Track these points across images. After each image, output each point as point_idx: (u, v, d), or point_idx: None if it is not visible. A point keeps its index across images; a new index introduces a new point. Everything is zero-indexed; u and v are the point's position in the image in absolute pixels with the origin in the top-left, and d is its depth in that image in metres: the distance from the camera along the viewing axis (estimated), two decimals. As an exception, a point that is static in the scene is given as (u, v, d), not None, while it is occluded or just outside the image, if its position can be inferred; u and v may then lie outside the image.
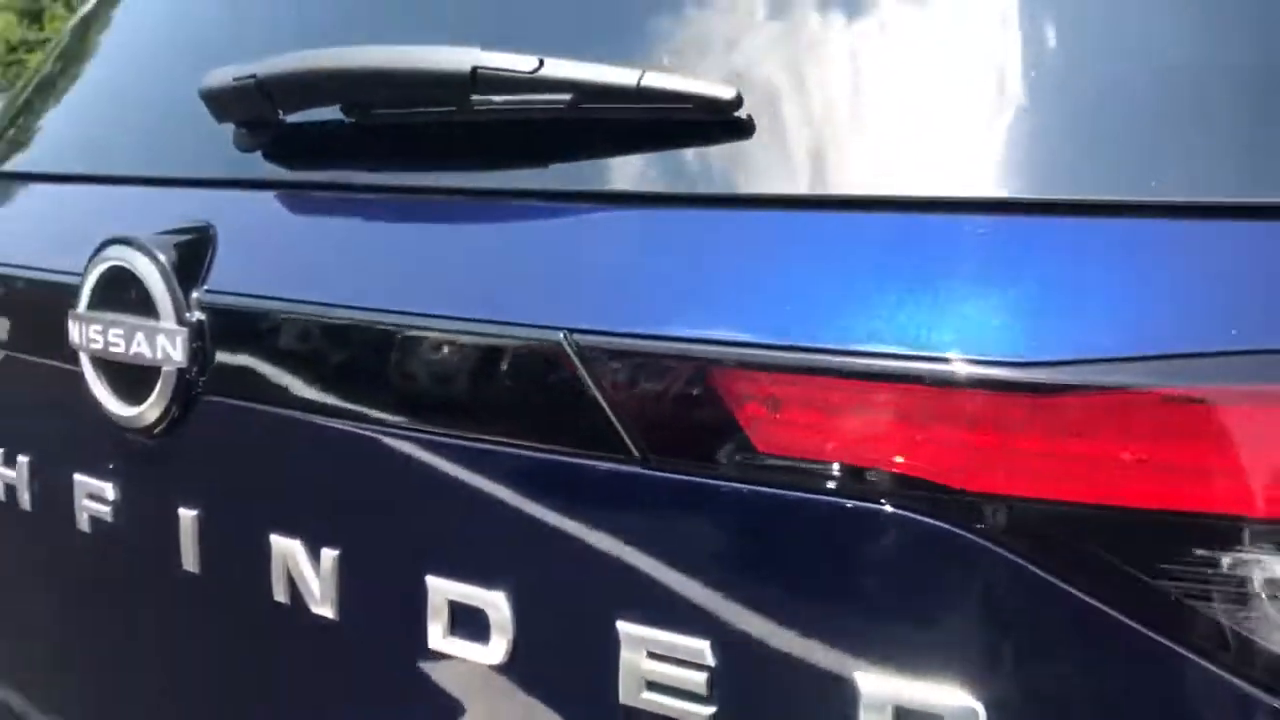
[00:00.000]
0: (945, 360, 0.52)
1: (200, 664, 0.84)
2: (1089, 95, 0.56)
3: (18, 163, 1.09)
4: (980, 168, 0.57)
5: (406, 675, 0.69)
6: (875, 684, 0.54)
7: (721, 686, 0.58)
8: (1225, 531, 0.48)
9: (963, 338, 0.52)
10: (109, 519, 0.84)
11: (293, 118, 0.79)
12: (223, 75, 0.80)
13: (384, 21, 0.84)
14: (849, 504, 0.54)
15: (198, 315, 0.77)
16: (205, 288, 0.78)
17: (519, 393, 0.64)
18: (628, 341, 0.60)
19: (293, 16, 0.92)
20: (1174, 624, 0.49)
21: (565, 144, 0.68)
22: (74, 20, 1.24)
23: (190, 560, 0.79)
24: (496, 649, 0.64)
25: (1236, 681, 0.48)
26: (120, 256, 0.80)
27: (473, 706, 0.68)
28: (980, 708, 0.51)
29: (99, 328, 0.81)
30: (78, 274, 0.83)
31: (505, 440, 0.65)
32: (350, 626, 0.71)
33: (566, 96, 0.66)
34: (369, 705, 0.73)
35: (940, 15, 0.61)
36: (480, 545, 0.66)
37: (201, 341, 0.77)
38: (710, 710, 0.58)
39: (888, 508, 0.53)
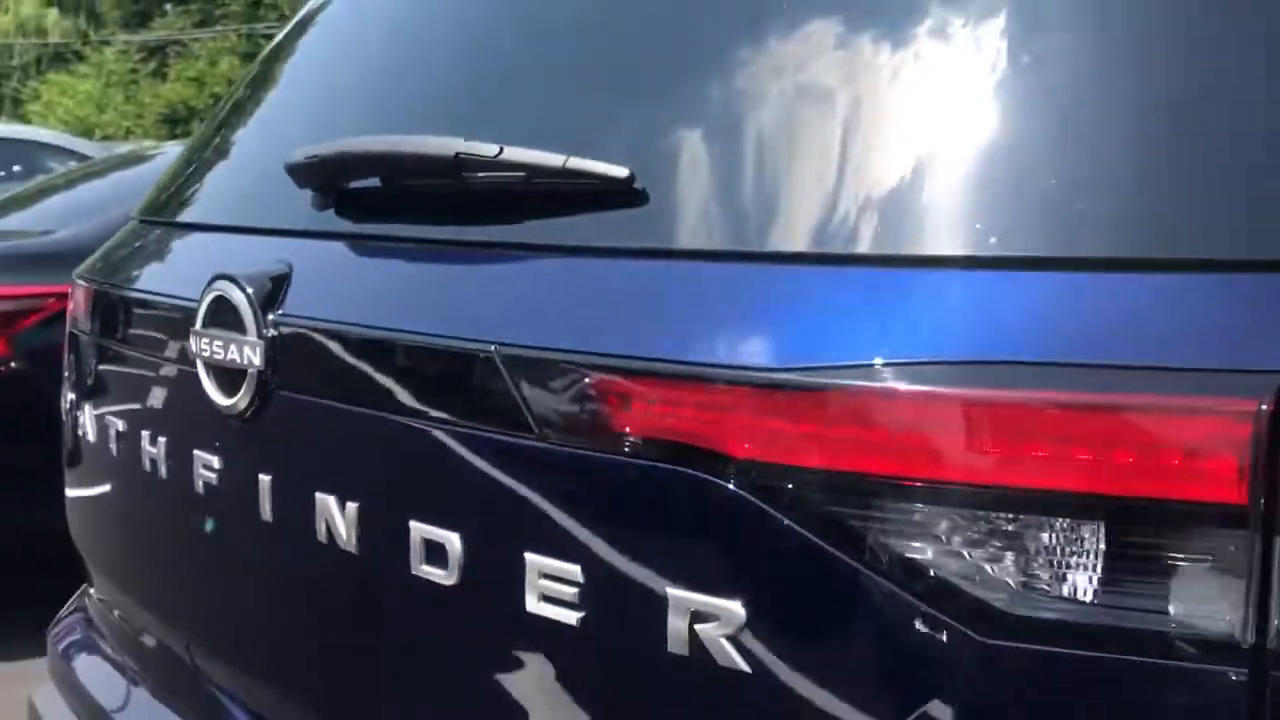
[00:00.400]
0: (725, 366, 0.75)
1: (271, 586, 1.13)
2: (840, 182, 0.78)
3: (166, 213, 1.42)
4: (765, 233, 0.80)
5: (392, 590, 0.96)
6: (680, 594, 0.77)
7: (587, 598, 0.82)
8: (892, 488, 0.70)
9: (736, 353, 0.75)
10: (215, 481, 1.14)
11: (349, 185, 1.08)
12: (300, 154, 1.09)
13: (413, 116, 1.12)
14: (664, 466, 0.78)
15: (272, 332, 1.05)
16: (280, 312, 1.06)
17: (467, 387, 0.90)
18: (533, 352, 0.85)
19: (358, 108, 1.21)
20: (863, 553, 0.70)
21: (513, 207, 0.94)
22: (223, 100, 1.56)
23: (265, 511, 1.07)
24: (452, 574, 0.90)
25: (907, 596, 0.69)
26: (223, 288, 1.09)
27: (435, 620, 0.94)
28: (742, 608, 0.74)
29: (208, 341, 1.10)
30: (195, 301, 1.13)
31: (461, 422, 0.90)
32: (364, 558, 0.98)
33: (520, 174, 0.92)
34: (379, 611, 1.00)
35: (746, 137, 0.84)
36: (447, 492, 0.92)
37: (274, 352, 1.05)
38: (579, 615, 0.82)
39: (688, 470, 0.77)
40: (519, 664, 0.88)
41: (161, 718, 1.34)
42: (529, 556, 0.84)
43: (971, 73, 0.78)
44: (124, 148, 10.33)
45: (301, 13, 1.54)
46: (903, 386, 0.70)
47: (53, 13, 30.95)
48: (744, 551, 0.75)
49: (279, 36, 1.56)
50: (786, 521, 0.72)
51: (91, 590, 1.63)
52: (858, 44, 0.83)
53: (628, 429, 0.80)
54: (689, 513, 0.78)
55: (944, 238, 0.74)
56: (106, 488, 1.43)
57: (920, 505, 0.69)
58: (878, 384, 0.70)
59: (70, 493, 1.56)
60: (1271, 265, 0.67)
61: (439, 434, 0.92)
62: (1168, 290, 0.68)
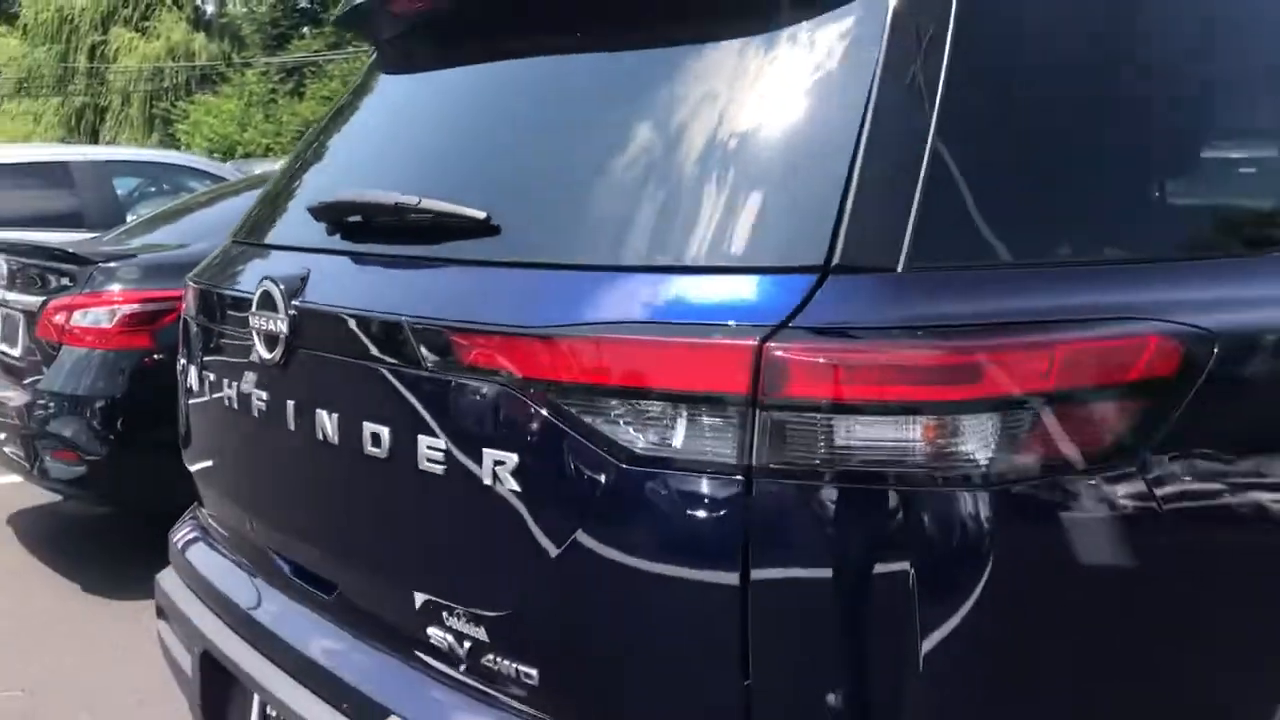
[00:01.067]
0: (516, 325, 1.36)
1: (291, 470, 1.78)
2: (606, 210, 1.39)
3: (244, 236, 2.09)
4: (537, 252, 1.42)
5: (355, 464, 1.59)
6: (492, 452, 1.37)
7: (448, 458, 1.43)
8: (586, 389, 1.30)
9: (522, 318, 1.37)
10: (264, 409, 1.79)
11: (347, 220, 1.72)
12: (317, 200, 1.74)
13: (395, 171, 1.77)
14: (487, 381, 1.39)
15: (294, 313, 1.70)
16: (299, 300, 1.70)
17: (394, 342, 1.53)
18: (423, 321, 1.47)
19: (363, 166, 1.86)
20: (574, 422, 1.30)
21: (424, 234, 1.57)
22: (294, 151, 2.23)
23: (290, 423, 1.71)
24: (384, 451, 1.52)
25: (590, 444, 1.29)
26: (267, 285, 1.74)
27: (376, 479, 1.57)
28: (519, 457, 1.35)
29: (258, 318, 1.75)
30: (252, 293, 1.78)
31: (389, 361, 1.53)
32: (340, 446, 1.62)
33: (428, 215, 1.54)
34: (348, 476, 1.63)
35: (538, 205, 1.46)
36: (381, 404, 1.55)
37: (295, 325, 1.69)
38: (444, 468, 1.43)
39: (498, 383, 1.38)
40: (418, 498, 1.51)
41: (236, 574, 2.00)
42: (420, 438, 1.46)
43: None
44: (258, 168, 11.30)
45: (342, 99, 2.20)
46: (597, 335, 1.30)
47: (200, 37, 32.89)
48: (521, 424, 1.36)
49: (329, 110, 2.23)
50: (538, 408, 1.33)
51: (200, 507, 2.30)
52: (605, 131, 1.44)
53: (471, 361, 1.41)
54: (498, 406, 1.39)
55: (619, 253, 1.35)
56: (203, 421, 2.10)
57: (600, 398, 1.29)
58: (586, 335, 1.30)
59: (182, 430, 2.24)
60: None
61: (380, 369, 1.55)
62: (711, 285, 1.28)
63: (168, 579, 2.24)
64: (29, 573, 4.67)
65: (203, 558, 2.16)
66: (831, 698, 1.21)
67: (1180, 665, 1.37)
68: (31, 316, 4.65)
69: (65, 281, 4.61)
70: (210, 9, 34.44)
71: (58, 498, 5.07)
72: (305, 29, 33.46)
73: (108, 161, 7.38)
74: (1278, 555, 1.43)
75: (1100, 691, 1.28)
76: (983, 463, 1.18)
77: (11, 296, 4.89)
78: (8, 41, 33.91)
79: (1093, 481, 1.24)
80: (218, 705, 2.00)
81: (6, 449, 4.63)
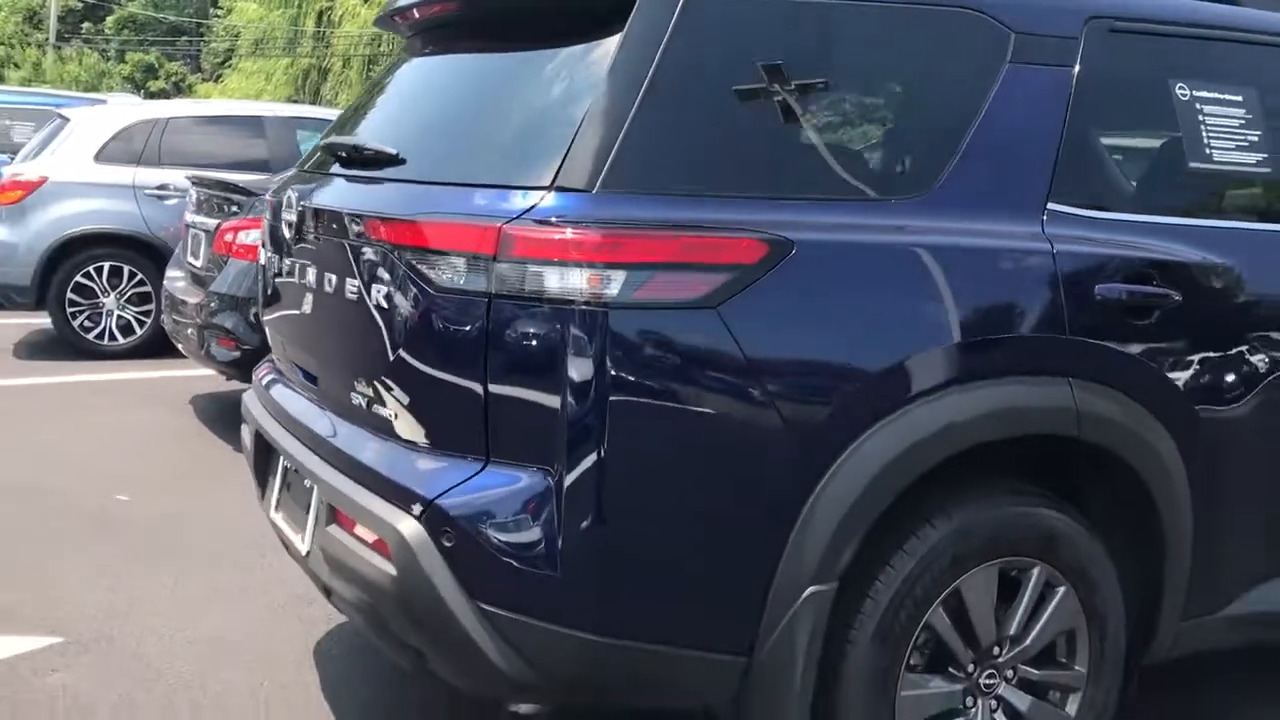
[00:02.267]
0: (395, 215, 2.39)
1: (306, 311, 2.85)
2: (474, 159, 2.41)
3: (299, 166, 3.18)
4: (443, 174, 2.44)
5: (341, 305, 2.65)
6: (377, 289, 2.41)
7: (359, 297, 2.47)
8: (476, 255, 2.31)
9: (397, 211, 2.40)
10: (288, 270, 2.87)
11: (338, 155, 2.78)
12: (327, 142, 2.81)
13: (388, 126, 2.82)
14: (384, 248, 2.42)
15: (300, 209, 2.76)
16: (304, 201, 2.77)
17: (356, 230, 2.57)
18: (376, 217, 2.51)
19: (370, 119, 2.92)
20: (423, 278, 2.32)
21: (370, 164, 2.61)
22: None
23: (309, 280, 2.78)
24: (355, 293, 2.57)
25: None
26: (289, 193, 2.82)
27: (354, 313, 2.62)
28: (388, 290, 2.38)
29: (286, 214, 2.83)
30: (288, 201, 2.86)
31: (356, 238, 2.58)
32: (334, 292, 2.67)
33: (370, 152, 2.59)
34: (340, 313, 2.69)
35: (439, 143, 2.48)
36: (355, 262, 2.60)
37: (302, 217, 2.76)
38: (382, 296, 2.48)
39: (388, 250, 2.41)
40: (346, 317, 2.55)
41: (280, 386, 3.09)
42: (348, 280, 2.51)
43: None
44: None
45: (382, 72, 3.27)
46: (426, 219, 2.31)
47: (418, 6, 34.88)
48: (392, 271, 2.38)
49: (368, 85, 3.30)
50: (399, 261, 2.35)
51: (270, 354, 3.40)
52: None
53: (373, 235, 2.44)
54: (383, 259, 2.41)
55: (445, 175, 2.35)
56: (267, 287, 3.20)
57: (425, 254, 2.29)
58: (419, 219, 2.32)
59: (260, 299, 3.35)
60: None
61: (335, 240, 2.59)
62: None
63: (247, 396, 3.35)
64: (196, 435, 6.01)
65: (266, 379, 3.25)
66: (535, 425, 2.18)
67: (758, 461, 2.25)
68: (210, 235, 5.96)
69: (235, 209, 5.90)
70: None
71: (224, 383, 6.41)
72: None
73: (293, 117, 8.77)
74: (803, 391, 2.27)
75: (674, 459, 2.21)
76: (614, 297, 2.13)
77: (199, 219, 6.23)
78: (247, 5, 36.79)
79: (691, 314, 2.17)
80: (261, 465, 3.10)
81: (185, 335, 5.96)
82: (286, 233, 2.85)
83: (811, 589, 2.26)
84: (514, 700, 2.47)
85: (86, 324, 7.97)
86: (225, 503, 4.65)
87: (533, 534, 2.18)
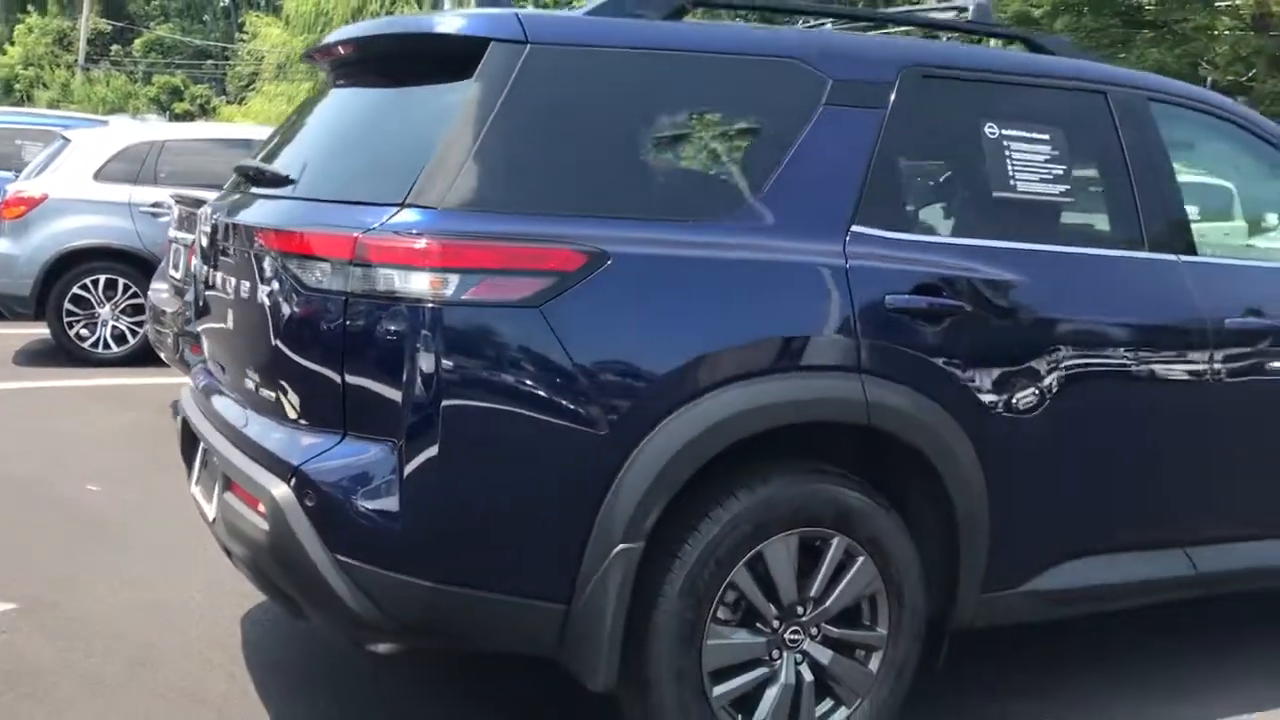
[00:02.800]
0: (278, 226, 2.83)
1: (215, 311, 3.29)
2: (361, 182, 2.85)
3: (223, 185, 3.62)
4: (319, 191, 2.88)
5: (244, 304, 3.08)
6: (263, 289, 2.84)
7: (250, 296, 2.90)
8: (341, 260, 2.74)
9: (279, 222, 2.83)
10: (203, 277, 3.31)
11: (252, 175, 3.22)
12: (240, 165, 3.25)
13: (291, 150, 3.26)
14: (271, 254, 2.85)
15: (214, 222, 3.20)
16: (217, 216, 3.21)
17: (253, 241, 3.01)
18: (270, 229, 2.95)
19: (277, 144, 3.37)
20: (297, 280, 2.75)
21: (265, 183, 3.05)
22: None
23: (211, 284, 3.22)
24: (251, 294, 3.01)
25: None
26: (206, 209, 3.26)
27: (248, 309, 3.06)
28: (272, 289, 2.81)
29: (204, 224, 3.27)
30: (204, 213, 3.31)
31: (250, 248, 3.01)
32: (235, 290, 3.11)
33: (263, 173, 3.03)
34: (242, 308, 3.12)
35: (329, 166, 2.92)
36: (250, 267, 3.04)
37: (215, 228, 3.20)
38: (269, 291, 2.91)
39: (273, 255, 2.84)
40: (242, 315, 2.98)
41: (205, 380, 3.51)
42: (243, 281, 2.94)
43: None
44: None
45: (302, 103, 3.71)
46: (300, 230, 2.74)
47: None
48: (276, 272, 2.80)
49: (291, 113, 3.74)
50: (281, 265, 2.78)
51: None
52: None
53: (263, 243, 2.87)
54: (270, 263, 2.83)
55: (321, 193, 2.79)
56: (198, 295, 3.63)
57: (300, 259, 2.72)
58: (295, 229, 2.75)
59: (191, 304, 3.78)
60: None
61: (236, 249, 3.03)
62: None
63: (183, 392, 3.79)
64: (170, 434, 6.42)
65: (197, 377, 3.69)
66: (382, 403, 2.60)
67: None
68: (188, 249, 6.41)
69: (210, 225, 6.34)
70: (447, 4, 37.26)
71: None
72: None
73: (282, 141, 9.25)
74: (615, 379, 2.67)
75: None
76: (449, 297, 2.55)
77: (180, 234, 6.69)
78: (272, 30, 37.59)
79: (517, 312, 2.58)
80: (188, 450, 3.52)
81: (165, 343, 6.42)
82: (205, 244, 3.28)
83: (621, 546, 2.65)
84: (369, 642, 2.86)
85: (83, 333, 8.46)
86: (187, 494, 5.07)
87: (379, 495, 2.59)
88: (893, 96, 3.07)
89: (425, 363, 2.55)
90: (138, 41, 45.64)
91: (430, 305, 2.55)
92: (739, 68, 2.99)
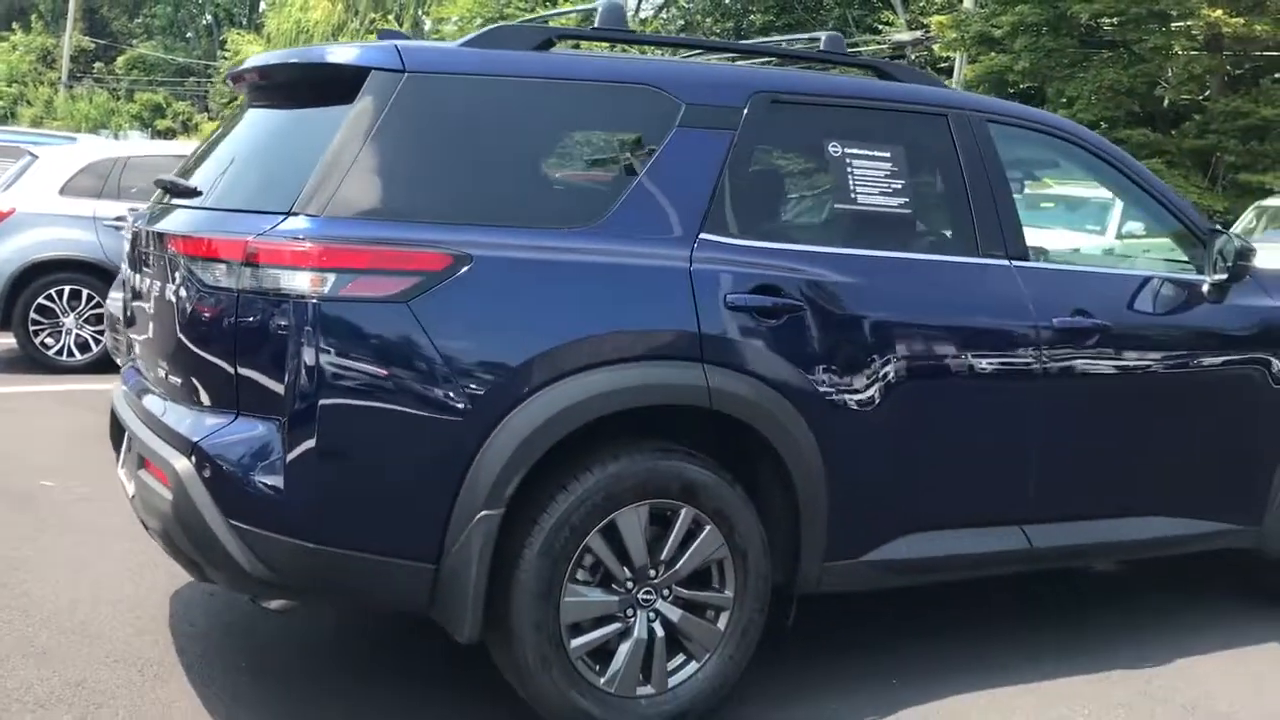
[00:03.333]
0: (192, 233, 3.20)
1: (142, 311, 3.66)
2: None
3: (151, 196, 4.00)
4: (234, 202, 3.26)
5: (166, 304, 3.46)
6: (181, 288, 3.21)
7: (173, 296, 3.28)
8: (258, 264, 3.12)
9: (230, 233, 3.21)
10: (130, 282, 3.68)
11: (172, 188, 3.60)
12: (161, 178, 3.62)
13: (210, 165, 3.64)
14: (185, 259, 3.23)
15: (137, 229, 3.57)
16: (140, 223, 3.58)
17: (172, 248, 3.38)
18: (171, 233, 3.32)
19: (201, 157, 3.75)
20: (201, 279, 3.12)
21: (183, 195, 3.43)
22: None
23: (136, 287, 3.59)
24: (177, 295, 3.38)
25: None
26: (133, 217, 3.63)
27: (166, 310, 3.43)
28: (188, 289, 3.19)
29: (128, 232, 3.64)
30: (133, 222, 3.68)
31: (175, 256, 3.38)
32: (158, 291, 3.48)
33: (180, 186, 3.40)
34: (166, 307, 3.49)
35: (251, 178, 3.30)
36: (176, 268, 3.41)
37: (139, 234, 3.57)
38: (190, 294, 3.28)
39: (187, 259, 3.21)
40: (164, 315, 3.34)
41: (132, 377, 3.88)
42: (167, 285, 3.31)
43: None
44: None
45: (222, 122, 4.08)
46: (207, 236, 3.11)
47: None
48: (190, 274, 3.17)
49: (214, 131, 4.12)
50: (192, 267, 3.15)
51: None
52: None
53: (179, 249, 3.24)
54: (183, 266, 3.21)
55: (226, 202, 3.16)
56: (126, 297, 3.99)
57: (205, 260, 3.09)
58: (203, 235, 3.12)
59: (121, 307, 4.14)
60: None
61: (157, 253, 3.40)
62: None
63: (114, 387, 4.15)
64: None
65: (126, 375, 4.05)
66: (267, 386, 2.97)
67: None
68: (141, 260, 6.76)
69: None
70: (428, 26, 37.72)
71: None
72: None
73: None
74: (476, 366, 3.07)
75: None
76: (326, 293, 2.92)
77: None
78: (253, 48, 37.99)
79: (387, 307, 2.96)
80: (116, 438, 3.88)
81: (121, 349, 6.77)
82: (129, 251, 3.65)
83: (483, 512, 3.02)
84: (264, 598, 3.22)
85: (48, 341, 8.81)
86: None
87: (266, 466, 2.96)
88: (742, 119, 3.46)
89: (306, 350, 2.92)
90: (121, 59, 46.01)
91: (310, 300, 2.93)
92: (599, 93, 3.38)
